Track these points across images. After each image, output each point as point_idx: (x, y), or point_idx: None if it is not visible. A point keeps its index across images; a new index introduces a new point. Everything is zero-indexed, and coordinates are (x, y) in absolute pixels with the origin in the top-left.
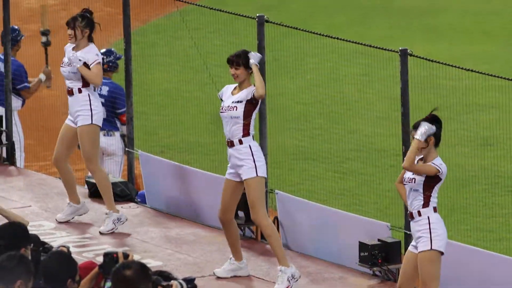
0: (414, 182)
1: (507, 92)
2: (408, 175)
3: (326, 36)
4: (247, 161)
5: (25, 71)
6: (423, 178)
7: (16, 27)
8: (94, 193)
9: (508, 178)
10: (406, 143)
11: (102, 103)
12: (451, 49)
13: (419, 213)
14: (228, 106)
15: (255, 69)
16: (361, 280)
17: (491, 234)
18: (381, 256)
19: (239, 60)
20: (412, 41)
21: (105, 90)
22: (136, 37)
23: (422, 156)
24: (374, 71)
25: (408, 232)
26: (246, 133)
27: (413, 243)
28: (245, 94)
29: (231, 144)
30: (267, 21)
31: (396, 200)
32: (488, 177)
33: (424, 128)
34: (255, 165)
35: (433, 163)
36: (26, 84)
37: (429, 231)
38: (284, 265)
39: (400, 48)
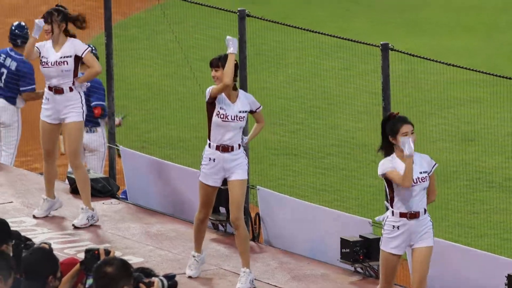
0: (425, 181)
1: (488, 86)
2: (421, 175)
3: (307, 30)
4: (241, 164)
5: (33, 72)
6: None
7: (23, 23)
8: (76, 189)
9: (489, 174)
10: None
11: None
12: (432, 44)
13: (425, 211)
14: (235, 116)
15: (229, 57)
16: (343, 276)
17: (472, 230)
18: (363, 253)
19: (219, 62)
20: (394, 35)
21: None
22: (117, 30)
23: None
24: (355, 66)
25: None
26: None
27: (393, 245)
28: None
29: (231, 149)
30: (248, 15)
31: (378, 196)
32: (470, 173)
33: (409, 143)
34: (247, 167)
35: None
36: (33, 86)
37: (432, 227)
38: (248, 267)
39: (381, 43)
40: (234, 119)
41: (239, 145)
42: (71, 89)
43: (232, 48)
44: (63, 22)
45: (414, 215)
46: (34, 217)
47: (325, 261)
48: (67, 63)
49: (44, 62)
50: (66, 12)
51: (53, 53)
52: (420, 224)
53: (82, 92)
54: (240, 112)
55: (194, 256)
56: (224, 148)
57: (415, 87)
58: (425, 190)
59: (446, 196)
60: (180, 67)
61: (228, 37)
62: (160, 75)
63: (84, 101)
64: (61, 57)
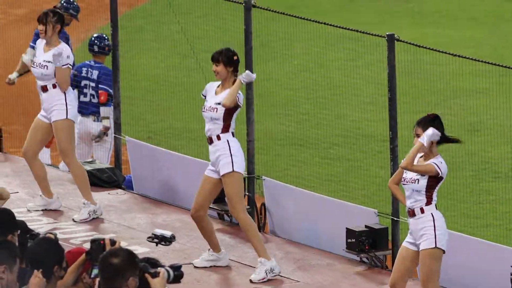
0: (418, 183)
1: (494, 77)
2: (411, 175)
3: (313, 21)
4: (224, 156)
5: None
6: (426, 179)
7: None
8: None
9: (495, 164)
10: (393, 128)
11: (92, 87)
12: (438, 34)
13: (422, 210)
14: (210, 107)
15: (236, 82)
16: (348, 266)
17: (478, 221)
18: (368, 243)
19: (219, 57)
20: (399, 26)
21: (95, 74)
22: (123, 22)
23: (423, 154)
24: (361, 56)
25: (395, 218)
26: (225, 130)
27: (409, 239)
28: None
29: (210, 140)
30: (254, 6)
31: (383, 187)
32: (475, 163)
33: (431, 133)
34: (232, 160)
35: (434, 163)
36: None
37: (434, 228)
38: (264, 257)
39: (387, 33)
40: (207, 110)
41: (218, 136)
42: (54, 86)
43: (243, 79)
44: (58, 24)
45: (411, 212)
46: (28, 210)
47: (331, 251)
48: (47, 68)
49: (34, 61)
50: (62, 14)
51: (41, 54)
52: (419, 223)
53: (68, 91)
54: (215, 103)
55: (208, 250)
56: (208, 139)
57: (421, 77)
58: (418, 193)
59: (451, 186)
60: (186, 58)
61: (248, 72)
62: (166, 66)
63: (69, 98)
64: (44, 60)
